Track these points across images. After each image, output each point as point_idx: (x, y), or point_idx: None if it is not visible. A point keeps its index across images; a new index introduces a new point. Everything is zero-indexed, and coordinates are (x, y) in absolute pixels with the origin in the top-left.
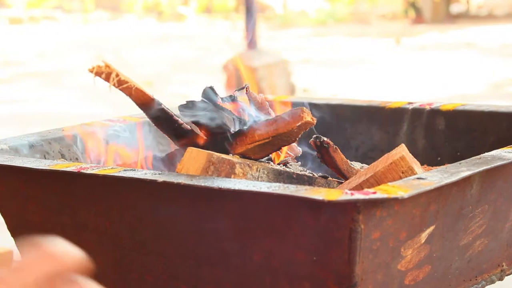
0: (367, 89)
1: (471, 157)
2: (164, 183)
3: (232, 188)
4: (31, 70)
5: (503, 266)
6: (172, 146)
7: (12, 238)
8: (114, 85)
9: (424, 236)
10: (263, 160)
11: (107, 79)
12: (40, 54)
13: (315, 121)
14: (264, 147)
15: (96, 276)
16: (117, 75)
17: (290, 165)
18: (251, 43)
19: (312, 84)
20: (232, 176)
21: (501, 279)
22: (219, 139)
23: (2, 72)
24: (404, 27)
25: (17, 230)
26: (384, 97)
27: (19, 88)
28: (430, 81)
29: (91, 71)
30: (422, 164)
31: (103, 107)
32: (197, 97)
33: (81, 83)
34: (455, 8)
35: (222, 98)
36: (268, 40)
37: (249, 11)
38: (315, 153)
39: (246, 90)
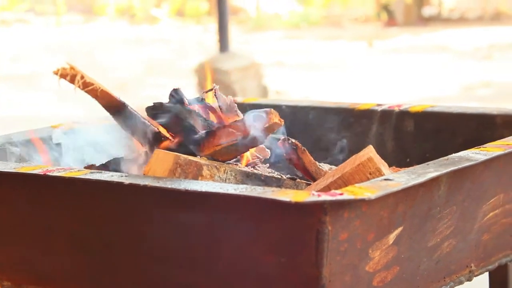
0: (340, 91)
1: (439, 158)
2: (131, 185)
3: (199, 190)
4: (3, 73)
5: (471, 267)
6: (139, 148)
7: None
8: (79, 87)
9: (392, 237)
10: (231, 162)
11: (72, 81)
12: (13, 58)
13: (283, 123)
14: (231, 149)
15: (64, 277)
16: (82, 77)
17: (259, 167)
18: (223, 46)
19: (284, 86)
20: (200, 178)
21: (469, 279)
22: (186, 141)
23: None
24: (376, 30)
25: None
26: (357, 99)
27: None
28: (403, 83)
29: (56, 73)
30: (391, 165)
31: (76, 110)
32: (166, 99)
33: (53, 86)
34: (427, 11)
35: (189, 100)
36: (241, 43)
37: (222, 14)
38: (283, 154)
39: (215, 92)
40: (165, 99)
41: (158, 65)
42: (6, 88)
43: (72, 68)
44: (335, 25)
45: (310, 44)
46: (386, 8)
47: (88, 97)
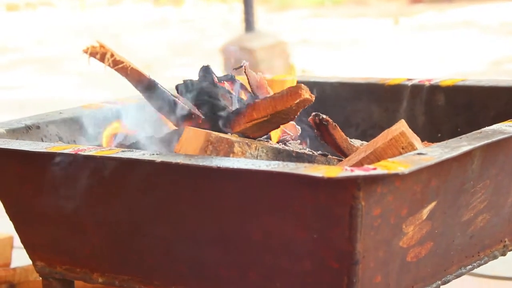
0: (366, 69)
1: (471, 132)
2: (162, 163)
3: (231, 167)
4: (29, 57)
5: (505, 241)
6: (170, 126)
7: (11, 223)
8: (109, 65)
9: (425, 212)
10: (262, 138)
11: (101, 59)
12: (38, 41)
13: (314, 98)
14: (262, 126)
15: (95, 258)
16: (112, 55)
17: (290, 143)
18: (249, 26)
19: (310, 65)
20: (231, 155)
21: (503, 254)
22: (217, 118)
23: (1, 59)
24: (402, 7)
25: (16, 214)
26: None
27: (17, 75)
28: (430, 60)
29: (86, 52)
30: (422, 140)
31: (102, 92)
32: (195, 78)
33: (79, 69)
34: None
35: (219, 77)
36: (266, 22)
37: None
38: (314, 131)
39: (244, 69)
40: (192, 78)
41: (183, 46)
42: (32, 70)
43: (102, 46)
44: (360, 3)
45: (335, 22)
46: None
47: (113, 79)
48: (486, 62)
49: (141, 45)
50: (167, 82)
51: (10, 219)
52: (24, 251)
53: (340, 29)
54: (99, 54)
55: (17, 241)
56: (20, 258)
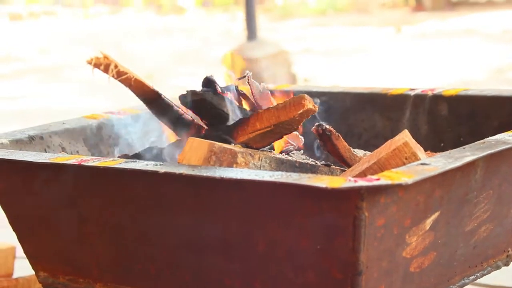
0: (368, 78)
1: (474, 142)
2: (166, 173)
3: (235, 177)
4: (32, 66)
5: (508, 251)
6: (173, 137)
7: (14, 233)
8: (113, 76)
9: (428, 222)
10: (265, 149)
11: (105, 70)
12: (41, 50)
13: (317, 109)
14: (266, 136)
15: (98, 268)
16: (115, 66)
17: (293, 153)
18: (251, 34)
19: (313, 73)
20: (234, 165)
21: (507, 264)
22: (220, 128)
23: (4, 68)
24: (404, 16)
25: (19, 225)
26: (387, 85)
27: (20, 84)
28: (432, 68)
29: (90, 63)
30: (425, 150)
31: (105, 101)
32: (198, 87)
33: (82, 78)
34: None
35: (222, 88)
36: (268, 31)
37: (249, 2)
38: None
39: (248, 79)
40: (194, 88)
41: (186, 54)
42: (35, 80)
43: (106, 57)
44: (362, 11)
45: (337, 30)
46: None
47: (116, 88)
48: (488, 70)
49: (143, 54)
50: (169, 91)
51: (13, 230)
52: (27, 261)
53: (342, 37)
54: (103, 65)
55: (19, 251)
56: (23, 268)
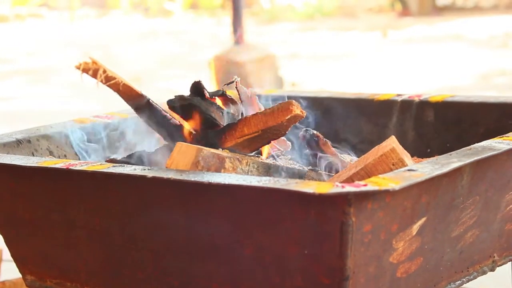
0: (355, 82)
1: (461, 148)
2: (154, 178)
3: (222, 182)
4: (18, 68)
5: (494, 257)
6: (161, 142)
7: (1, 236)
8: (101, 81)
9: (415, 228)
10: (252, 154)
11: (94, 75)
12: (28, 52)
13: (305, 114)
14: (253, 141)
15: (86, 272)
16: (104, 71)
17: (280, 158)
18: (238, 38)
19: (300, 78)
20: (222, 170)
21: (492, 270)
22: (208, 133)
23: None
24: (391, 20)
25: (6, 228)
26: (373, 90)
27: (7, 86)
28: (418, 73)
29: (78, 68)
30: (412, 156)
31: (92, 104)
32: (185, 92)
33: (69, 81)
34: (441, 0)
35: (210, 93)
36: (256, 35)
37: (236, 6)
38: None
39: (236, 84)
40: (181, 91)
41: (173, 58)
42: (22, 82)
43: (94, 62)
44: (349, 16)
45: (324, 35)
46: None
47: (104, 92)
48: (475, 75)
49: (130, 57)
50: (156, 94)
51: (0, 233)
52: (14, 264)
53: (329, 42)
54: (92, 70)
55: (6, 254)
56: (9, 271)
